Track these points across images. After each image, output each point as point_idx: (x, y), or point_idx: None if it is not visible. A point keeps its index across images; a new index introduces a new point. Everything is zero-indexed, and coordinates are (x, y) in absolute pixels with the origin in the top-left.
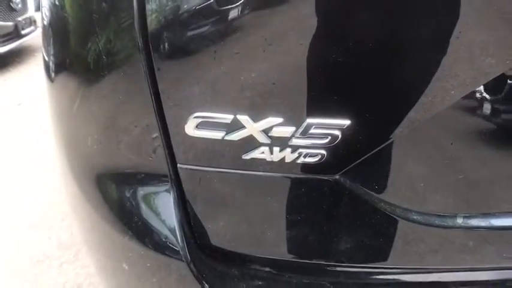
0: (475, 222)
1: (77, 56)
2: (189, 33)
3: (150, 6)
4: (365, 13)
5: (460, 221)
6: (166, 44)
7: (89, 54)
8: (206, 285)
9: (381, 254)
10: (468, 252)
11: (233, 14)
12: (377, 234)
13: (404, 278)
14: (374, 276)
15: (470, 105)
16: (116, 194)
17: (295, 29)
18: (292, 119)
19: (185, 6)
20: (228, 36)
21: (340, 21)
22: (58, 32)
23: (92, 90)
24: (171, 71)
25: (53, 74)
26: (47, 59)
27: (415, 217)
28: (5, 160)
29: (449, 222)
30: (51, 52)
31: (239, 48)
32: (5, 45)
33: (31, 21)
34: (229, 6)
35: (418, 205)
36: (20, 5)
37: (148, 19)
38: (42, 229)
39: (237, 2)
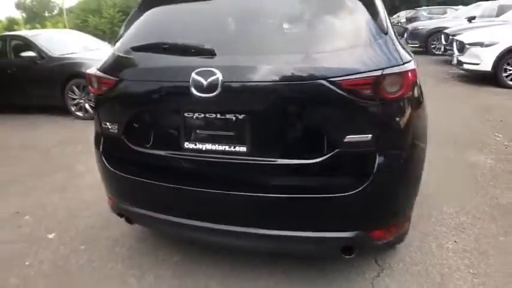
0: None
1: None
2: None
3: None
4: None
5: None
6: (99, 114)
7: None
8: (106, 162)
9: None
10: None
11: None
12: (131, 159)
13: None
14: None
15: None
16: (99, 139)
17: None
18: (111, 125)
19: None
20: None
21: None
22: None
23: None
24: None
25: (96, 111)
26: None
27: (143, 150)
28: None
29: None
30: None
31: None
32: None
33: None
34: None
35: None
36: None
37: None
38: None
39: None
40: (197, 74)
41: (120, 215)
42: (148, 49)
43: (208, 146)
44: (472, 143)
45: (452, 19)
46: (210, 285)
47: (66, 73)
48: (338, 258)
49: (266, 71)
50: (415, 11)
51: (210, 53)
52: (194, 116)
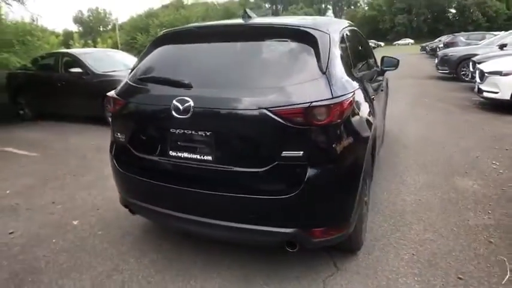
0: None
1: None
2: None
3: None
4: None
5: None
6: (113, 126)
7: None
8: (116, 163)
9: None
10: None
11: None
12: (133, 162)
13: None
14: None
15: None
16: (112, 146)
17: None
18: (121, 135)
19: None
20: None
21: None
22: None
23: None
24: (113, 128)
25: (111, 124)
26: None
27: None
28: None
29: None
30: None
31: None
32: None
33: None
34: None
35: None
36: None
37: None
38: None
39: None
40: (177, 101)
41: (126, 206)
42: (149, 80)
43: (186, 154)
44: (466, 168)
45: (484, 46)
46: (193, 268)
47: (106, 88)
48: (287, 252)
49: (224, 100)
50: (453, 36)
51: (188, 86)
52: (176, 132)
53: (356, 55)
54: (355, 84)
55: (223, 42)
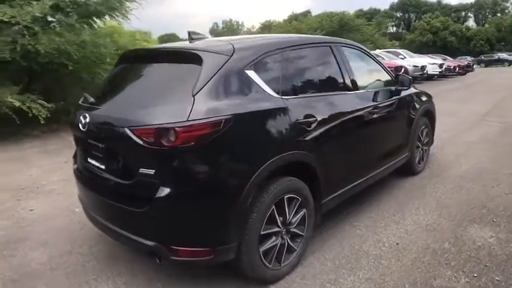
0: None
1: None
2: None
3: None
4: None
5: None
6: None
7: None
8: (73, 167)
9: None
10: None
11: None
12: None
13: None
14: None
15: None
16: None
17: None
18: (74, 143)
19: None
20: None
21: None
22: None
23: None
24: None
25: None
26: None
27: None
28: None
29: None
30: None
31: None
32: None
33: None
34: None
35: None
36: None
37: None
38: None
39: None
40: (82, 116)
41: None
42: (84, 99)
43: (93, 162)
44: (500, 216)
45: None
46: (119, 264)
47: None
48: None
49: (104, 117)
50: None
51: (97, 105)
52: (91, 142)
53: (300, 77)
54: (241, 109)
55: (141, 64)
